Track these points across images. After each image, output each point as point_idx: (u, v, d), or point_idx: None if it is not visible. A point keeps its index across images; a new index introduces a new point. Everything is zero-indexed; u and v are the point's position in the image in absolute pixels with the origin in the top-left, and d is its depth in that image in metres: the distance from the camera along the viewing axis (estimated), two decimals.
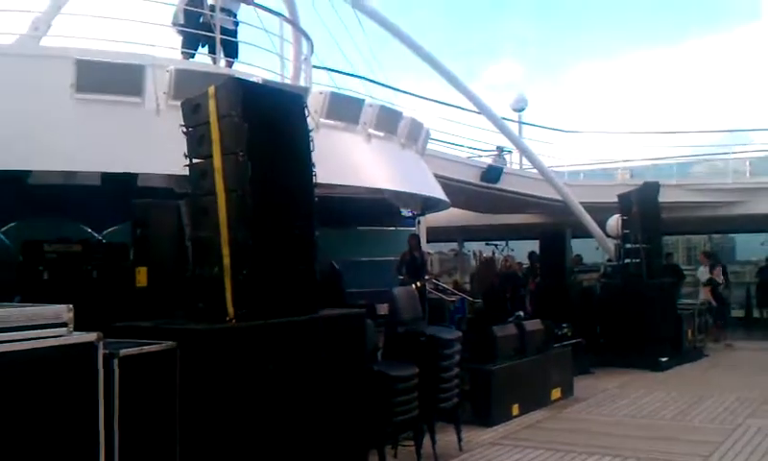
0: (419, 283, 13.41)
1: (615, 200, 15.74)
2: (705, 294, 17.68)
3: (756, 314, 21.02)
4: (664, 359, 13.87)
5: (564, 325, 12.27)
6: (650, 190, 15.82)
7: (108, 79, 9.55)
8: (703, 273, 18.42)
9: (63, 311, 4.13)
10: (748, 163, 22.29)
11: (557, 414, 10.03)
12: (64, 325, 4.10)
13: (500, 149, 21.77)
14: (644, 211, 15.17)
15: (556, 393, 10.82)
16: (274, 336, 5.52)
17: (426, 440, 7.61)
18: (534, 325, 10.84)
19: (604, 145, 39.97)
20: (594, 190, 20.66)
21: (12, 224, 10.52)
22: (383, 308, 9.62)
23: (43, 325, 4.00)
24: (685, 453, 7.83)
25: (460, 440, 8.10)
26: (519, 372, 10.00)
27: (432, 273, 18.59)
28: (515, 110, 23.51)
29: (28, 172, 9.57)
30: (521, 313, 11.61)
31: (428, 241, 19.63)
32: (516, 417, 9.63)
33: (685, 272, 20.40)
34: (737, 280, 22.95)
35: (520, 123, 23.15)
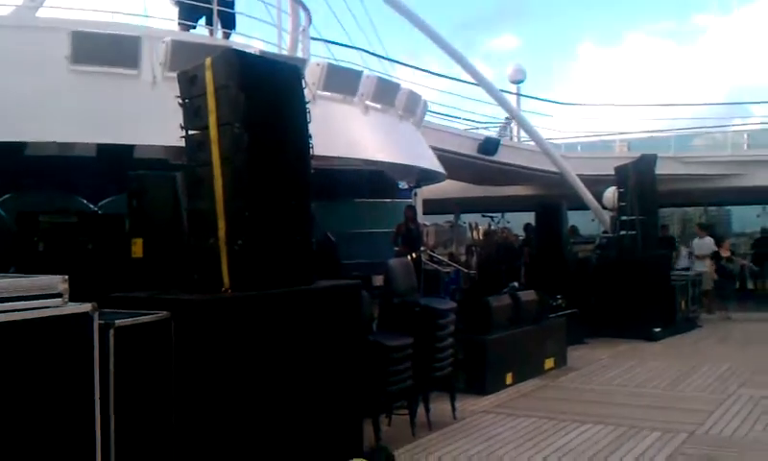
0: (414, 255, 13.47)
1: (612, 172, 15.77)
2: (708, 267, 17.61)
3: (750, 285, 21.13)
4: (658, 330, 13.98)
5: (559, 295, 12.35)
6: (647, 163, 15.85)
7: (104, 50, 9.55)
8: (699, 245, 18.43)
9: (58, 282, 4.16)
10: (746, 136, 22.29)
11: (550, 383, 10.13)
12: (59, 295, 4.14)
13: (508, 120, 21.85)
14: (641, 184, 15.21)
15: (549, 363, 10.92)
16: (269, 307, 5.56)
17: (420, 409, 7.70)
18: (528, 295, 10.90)
19: (602, 117, 39.92)
20: (591, 162, 20.69)
21: (8, 195, 10.53)
22: (378, 280, 9.67)
23: (38, 295, 4.03)
24: (678, 421, 7.92)
25: (454, 409, 8.19)
26: (514, 342, 10.08)
27: (428, 244, 18.63)
28: (513, 82, 23.46)
29: (24, 143, 9.57)
30: (516, 284, 11.65)
31: (424, 213, 19.68)
32: (509, 386, 9.72)
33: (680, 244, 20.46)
34: (733, 252, 23.01)
35: (518, 95, 23.12)
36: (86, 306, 4.25)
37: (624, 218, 15.20)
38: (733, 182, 20.81)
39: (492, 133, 20.91)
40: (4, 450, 3.80)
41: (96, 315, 4.28)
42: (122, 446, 4.56)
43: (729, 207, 26.76)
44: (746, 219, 24.56)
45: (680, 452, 6.89)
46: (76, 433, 4.18)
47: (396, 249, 13.98)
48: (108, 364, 4.49)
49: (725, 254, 18.11)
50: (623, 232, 15.19)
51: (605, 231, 18.03)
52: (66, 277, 4.18)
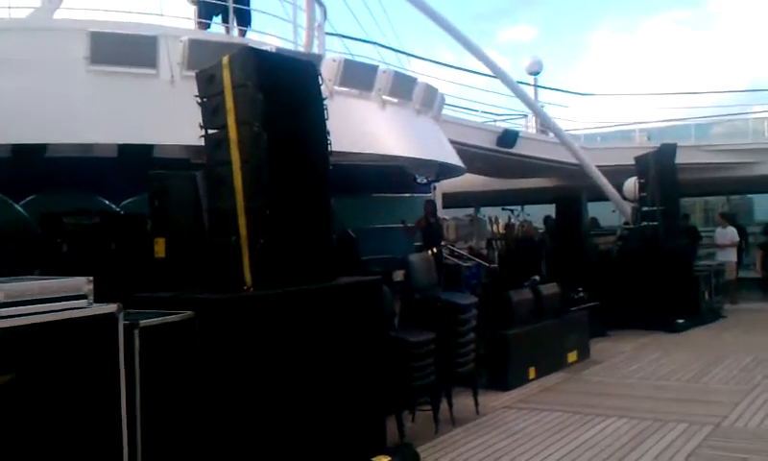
0: (435, 250, 13.44)
1: (632, 162, 15.65)
2: (758, 259, 16.92)
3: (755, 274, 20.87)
4: (681, 321, 13.88)
5: (580, 288, 12.28)
6: (667, 152, 15.72)
7: (122, 50, 9.57)
8: (722, 234, 18.25)
9: (83, 283, 4.19)
10: (767, 123, 22.03)
11: (573, 377, 10.09)
12: (84, 297, 4.17)
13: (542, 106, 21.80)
14: (661, 173, 15.10)
15: (572, 356, 10.87)
16: (291, 304, 5.57)
17: (444, 405, 7.69)
18: (550, 289, 10.86)
19: (621, 107, 39.63)
20: (611, 153, 20.54)
21: (31, 197, 10.59)
22: (399, 275, 9.66)
23: (64, 297, 4.07)
24: (702, 414, 7.86)
25: (477, 404, 8.18)
26: (536, 336, 10.05)
27: (448, 239, 18.58)
28: (530, 74, 23.33)
29: (44, 145, 9.62)
30: (537, 277, 11.60)
31: (444, 207, 19.61)
32: (532, 380, 9.69)
33: (703, 234, 20.27)
34: (755, 241, 22.77)
35: (536, 86, 23.00)
36: (112, 307, 4.28)
37: (645, 209, 15.10)
38: (755, 170, 20.57)
39: (511, 125, 20.79)
40: (32, 450, 3.83)
41: (121, 315, 4.31)
42: (148, 445, 4.59)
43: (751, 196, 26.46)
44: None
45: (705, 446, 6.84)
46: (103, 433, 4.22)
47: (417, 244, 13.95)
48: (134, 364, 4.52)
49: None
50: (644, 223, 15.08)
51: (626, 223, 17.91)
52: (91, 278, 4.21)
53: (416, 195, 16.60)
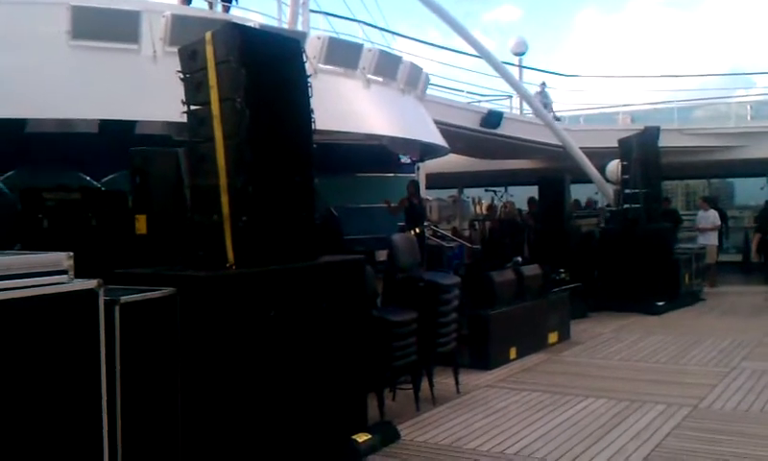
0: (417, 230, 13.46)
1: (616, 145, 15.71)
2: (754, 242, 16.39)
3: (753, 258, 21.11)
4: (661, 303, 14.00)
5: (562, 270, 12.35)
6: (650, 135, 15.79)
7: (104, 25, 9.49)
8: (704, 218, 18.36)
9: (63, 259, 4.15)
10: (749, 107, 22.17)
11: (553, 357, 10.16)
12: (65, 272, 4.13)
13: (543, 84, 21.85)
14: (644, 156, 15.16)
15: (553, 337, 10.94)
16: (274, 283, 5.56)
17: (425, 384, 7.73)
18: (532, 270, 10.90)
19: (605, 89, 39.71)
20: (594, 135, 20.60)
21: (11, 172, 10.52)
22: (382, 255, 9.67)
23: (43, 272, 4.02)
24: (681, 396, 7.94)
25: (458, 383, 8.23)
26: (517, 316, 10.10)
27: (431, 219, 18.62)
28: (515, 54, 23.31)
29: (25, 120, 9.54)
30: (519, 259, 11.65)
31: (427, 188, 19.65)
32: (513, 361, 9.75)
33: (683, 217, 20.43)
34: (736, 225, 22.99)
35: (521, 67, 22.98)
36: (92, 283, 4.24)
37: (627, 191, 15.17)
38: (737, 154, 20.72)
39: (495, 106, 20.79)
40: (11, 428, 3.81)
41: (102, 291, 4.28)
42: (128, 422, 4.58)
43: (732, 180, 26.66)
44: (749, 191, 24.48)
45: (682, 427, 6.91)
46: (82, 410, 4.20)
47: (400, 224, 13.97)
48: (114, 340, 4.49)
49: None
50: (627, 206, 15.16)
51: (608, 205, 18.00)
52: (71, 253, 4.17)
53: (399, 175, 16.63)
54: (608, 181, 17.76)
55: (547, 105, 21.56)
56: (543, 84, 22.22)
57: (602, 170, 17.90)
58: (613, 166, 16.62)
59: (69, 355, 4.11)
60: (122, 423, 4.54)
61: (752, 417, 7.22)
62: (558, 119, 21.99)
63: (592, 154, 18.45)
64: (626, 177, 15.26)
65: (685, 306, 14.64)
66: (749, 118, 21.58)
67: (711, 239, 18.05)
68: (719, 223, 18.49)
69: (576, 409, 7.53)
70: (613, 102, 23.75)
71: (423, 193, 17.19)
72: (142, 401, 4.73)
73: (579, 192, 18.53)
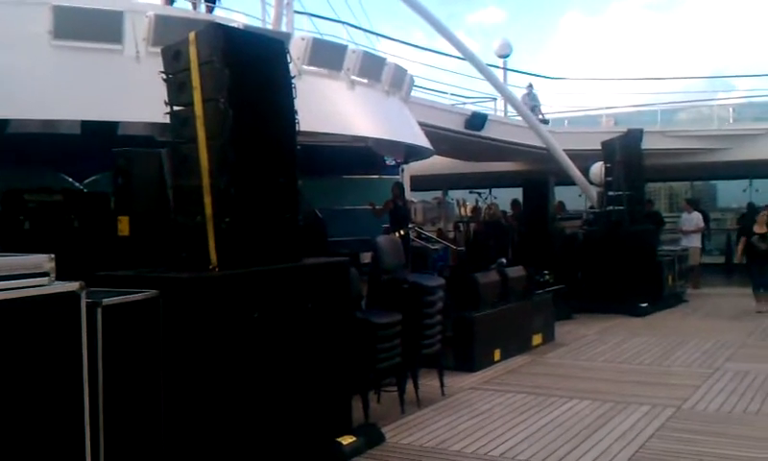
0: (402, 232, 13.45)
1: (599, 147, 15.76)
2: (740, 245, 15.53)
3: (736, 260, 21.22)
4: (644, 305, 14.06)
5: (546, 271, 12.38)
6: (633, 137, 15.86)
7: (87, 25, 9.41)
8: (687, 220, 18.43)
9: (45, 261, 4.11)
10: (731, 110, 22.32)
11: (538, 359, 10.17)
12: (46, 274, 4.09)
13: (531, 86, 21.90)
14: (627, 159, 15.22)
15: (537, 339, 10.96)
16: (257, 284, 5.53)
17: (409, 386, 7.71)
18: (516, 272, 10.91)
19: (589, 92, 39.87)
20: (578, 137, 20.65)
21: None
22: (367, 257, 9.65)
23: (25, 274, 3.98)
24: (665, 397, 7.96)
25: (443, 385, 8.21)
26: (501, 318, 10.10)
27: (416, 221, 18.62)
28: (499, 57, 23.34)
29: (6, 121, 9.44)
30: (504, 260, 11.66)
31: (412, 189, 19.63)
32: (497, 362, 9.75)
33: (666, 219, 20.54)
34: (718, 227, 23.13)
35: (505, 69, 23.03)
36: (74, 285, 4.20)
37: (611, 193, 15.22)
38: (719, 157, 20.84)
39: (479, 108, 20.81)
40: None
41: (83, 294, 4.24)
42: (111, 425, 4.53)
43: (714, 182, 26.83)
44: (732, 194, 24.64)
45: (666, 428, 6.93)
46: (64, 413, 4.15)
47: (385, 226, 13.95)
48: (97, 343, 4.45)
49: (760, 230, 14.06)
50: (610, 208, 15.22)
51: (592, 207, 18.05)
52: (53, 255, 4.13)
53: (384, 177, 16.60)
54: (591, 183, 17.82)
55: (535, 106, 21.60)
56: (530, 85, 22.26)
57: (586, 172, 17.96)
58: (597, 168, 16.68)
59: (51, 358, 4.07)
60: (104, 425, 4.50)
61: (735, 418, 7.25)
62: (546, 122, 22.05)
63: (576, 156, 18.50)
64: (609, 179, 15.32)
65: (669, 308, 14.71)
66: (731, 121, 21.72)
67: (695, 241, 18.14)
68: (703, 225, 18.60)
69: (561, 411, 7.54)
70: (597, 104, 23.87)
71: (408, 195, 17.17)
72: (125, 404, 4.69)
73: (563, 194, 18.58)
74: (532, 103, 21.69)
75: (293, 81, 6.19)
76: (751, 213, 19.49)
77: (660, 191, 27.05)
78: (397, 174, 17.09)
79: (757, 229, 13.62)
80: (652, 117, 21.97)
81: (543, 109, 22.46)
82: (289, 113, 6.13)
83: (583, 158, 17.98)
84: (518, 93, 20.98)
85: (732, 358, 9.96)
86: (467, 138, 19.11)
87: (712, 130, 21.13)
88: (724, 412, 7.46)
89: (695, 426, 6.96)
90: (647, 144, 16.51)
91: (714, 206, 26.28)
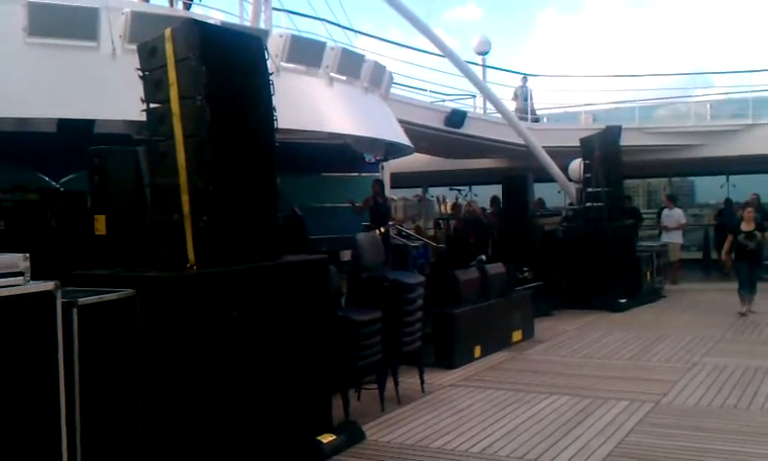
0: (382, 229, 13.43)
1: (578, 144, 15.83)
2: (726, 243, 14.59)
3: (713, 256, 21.38)
4: (623, 301, 14.14)
5: (526, 268, 12.41)
6: (612, 134, 15.92)
7: (62, 22, 9.32)
8: (668, 216, 18.49)
9: (19, 260, 4.06)
10: (709, 106, 22.46)
11: (518, 355, 10.19)
12: (21, 274, 4.04)
13: (525, 78, 21.89)
14: (606, 155, 15.29)
15: (517, 335, 10.98)
16: (236, 283, 5.50)
17: (389, 383, 7.70)
18: (496, 268, 10.93)
19: (567, 89, 39.96)
20: (557, 134, 20.72)
21: None
22: (346, 254, 9.63)
23: None
24: (643, 392, 8.01)
25: (423, 382, 8.21)
26: (481, 315, 10.12)
27: (396, 218, 18.60)
28: (478, 54, 23.33)
29: None
30: (483, 257, 11.68)
31: (392, 187, 19.61)
32: (477, 359, 9.77)
33: (645, 215, 20.63)
34: (696, 223, 23.28)
35: (484, 67, 23.02)
36: (49, 285, 4.15)
37: (590, 190, 15.29)
38: (697, 153, 20.96)
39: (459, 105, 20.77)
40: None
41: (59, 293, 4.19)
42: (88, 426, 4.48)
43: (692, 178, 27.00)
44: (709, 190, 24.79)
45: (646, 422, 6.97)
46: (40, 413, 4.10)
47: (365, 223, 13.93)
48: (73, 343, 4.40)
49: (747, 227, 13.15)
50: (589, 204, 15.29)
51: (571, 203, 18.11)
52: (27, 255, 4.08)
53: (364, 174, 16.58)
54: (570, 179, 17.88)
55: (526, 100, 21.60)
56: (525, 77, 22.19)
57: (565, 169, 18.02)
58: (576, 165, 16.74)
59: (26, 359, 4.02)
60: (81, 425, 4.44)
61: (713, 412, 7.31)
62: (537, 120, 22.10)
63: (555, 153, 18.57)
64: (588, 176, 15.39)
65: (647, 303, 14.80)
66: (708, 118, 21.86)
67: (675, 237, 18.23)
68: (684, 221, 18.70)
69: (540, 407, 7.56)
70: (576, 101, 23.85)
71: (388, 192, 17.15)
72: (101, 404, 4.64)
73: (542, 191, 18.63)
74: (525, 96, 21.68)
75: (271, 78, 6.16)
76: (729, 209, 19.71)
77: (638, 188, 27.18)
78: (377, 171, 17.07)
79: (744, 226, 13.13)
80: (630, 114, 22.03)
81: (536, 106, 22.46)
82: (267, 110, 6.10)
83: (562, 155, 18.04)
84: (498, 90, 20.98)
85: (710, 353, 10.04)
86: (446, 136, 19.10)
87: (690, 126, 21.26)
88: (702, 406, 7.51)
89: (674, 421, 7.00)
90: (625, 141, 16.58)
91: (692, 202, 26.45)
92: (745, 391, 7.96)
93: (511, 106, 20.98)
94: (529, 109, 21.71)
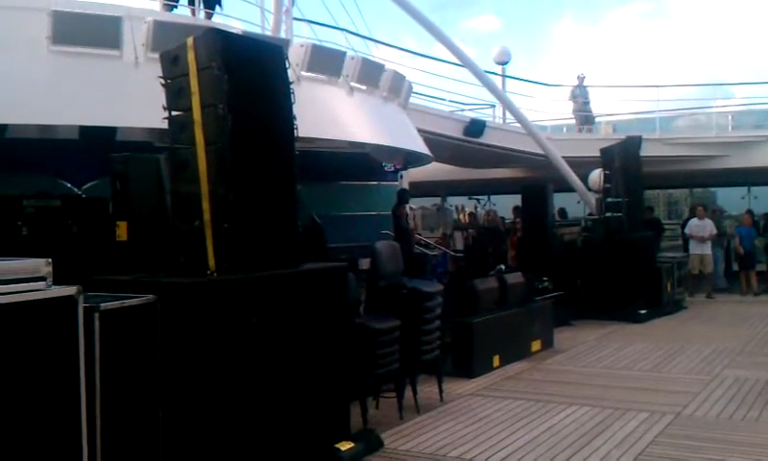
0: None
1: (598, 154, 15.76)
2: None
3: (735, 268, 21.17)
4: (643, 312, 14.05)
5: (545, 278, 12.37)
6: (632, 145, 15.86)
7: (85, 31, 9.41)
8: (700, 227, 17.87)
9: (42, 265, 4.09)
10: (730, 117, 22.31)
11: (537, 365, 10.15)
12: (43, 278, 4.07)
13: (582, 77, 21.90)
14: (626, 165, 15.22)
15: (536, 345, 10.94)
16: (255, 290, 5.52)
17: (408, 392, 7.69)
18: (515, 278, 10.90)
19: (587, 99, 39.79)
20: (577, 144, 20.63)
21: None
22: (365, 263, 9.63)
23: (21, 279, 3.96)
24: (663, 403, 7.95)
25: (441, 391, 8.20)
26: (500, 324, 10.09)
27: (414, 227, 18.60)
28: (497, 63, 23.32)
29: (4, 126, 9.43)
30: (503, 266, 11.66)
31: (411, 195, 19.60)
32: (496, 369, 9.73)
33: (666, 226, 20.46)
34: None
35: (504, 76, 23.00)
36: (71, 290, 4.19)
37: (609, 200, 15.22)
38: (718, 164, 20.81)
39: (478, 114, 20.74)
40: None
41: (81, 298, 4.22)
42: (108, 430, 4.51)
43: (714, 189, 26.79)
44: (731, 201, 24.59)
45: (665, 434, 6.92)
46: (61, 418, 4.13)
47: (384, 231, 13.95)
48: (94, 348, 4.43)
49: None
50: (609, 214, 15.21)
51: (590, 214, 18.02)
52: (50, 259, 4.11)
53: (383, 183, 16.60)
54: (590, 189, 17.80)
55: (587, 102, 21.48)
56: (582, 77, 22.03)
57: (584, 179, 17.94)
58: (596, 175, 16.66)
59: (48, 363, 4.05)
60: (101, 431, 4.47)
61: (734, 424, 7.24)
62: (591, 122, 21.89)
63: (575, 163, 18.49)
64: (608, 186, 15.31)
65: (668, 315, 14.70)
66: (730, 128, 21.71)
67: (707, 249, 17.82)
68: (716, 232, 18.12)
69: (560, 417, 7.52)
70: (596, 111, 23.77)
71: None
72: (122, 410, 4.66)
73: (562, 201, 18.56)
74: (583, 96, 21.53)
75: (291, 87, 6.19)
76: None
77: (658, 198, 27.02)
78: (396, 180, 17.09)
79: None
80: (650, 124, 21.92)
81: (541, 117, 22.35)
82: (288, 119, 6.13)
83: (582, 165, 17.97)
84: (517, 100, 20.92)
85: (731, 365, 9.94)
86: (465, 145, 19.09)
87: (711, 137, 21.11)
88: (723, 419, 7.44)
89: (694, 433, 6.95)
90: (646, 151, 16.50)
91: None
92: (767, 404, 7.88)
93: (568, 107, 20.82)
94: (588, 110, 21.44)
